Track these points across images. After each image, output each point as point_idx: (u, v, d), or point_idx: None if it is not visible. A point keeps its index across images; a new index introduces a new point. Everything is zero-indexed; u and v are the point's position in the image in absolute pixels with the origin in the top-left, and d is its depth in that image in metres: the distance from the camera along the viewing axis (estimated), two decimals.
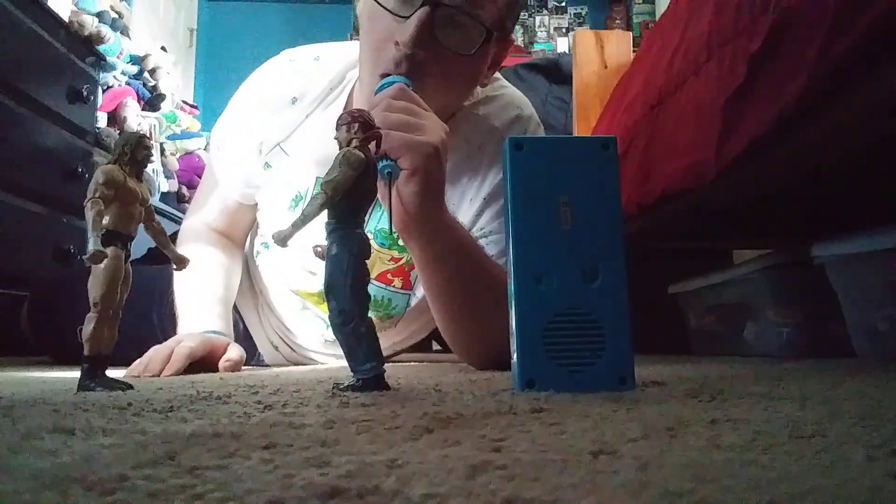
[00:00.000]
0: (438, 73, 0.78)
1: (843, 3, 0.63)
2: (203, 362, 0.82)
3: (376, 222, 0.95)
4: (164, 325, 1.04)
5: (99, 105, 2.09)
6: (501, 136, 0.91)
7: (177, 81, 2.78)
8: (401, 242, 0.94)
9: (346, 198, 0.49)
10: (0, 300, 1.45)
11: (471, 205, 0.93)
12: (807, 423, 0.30)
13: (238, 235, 1.09)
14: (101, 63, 2.07)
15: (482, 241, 0.89)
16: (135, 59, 2.39)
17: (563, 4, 4.05)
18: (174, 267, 0.58)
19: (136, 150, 0.52)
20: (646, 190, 1.11)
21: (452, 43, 0.78)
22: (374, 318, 0.51)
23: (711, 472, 0.20)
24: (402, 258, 0.96)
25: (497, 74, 0.98)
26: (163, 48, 2.77)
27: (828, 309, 1.01)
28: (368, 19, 0.81)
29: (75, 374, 0.52)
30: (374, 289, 0.96)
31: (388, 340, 1.05)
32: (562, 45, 3.84)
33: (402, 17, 0.76)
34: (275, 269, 1.04)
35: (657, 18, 2.72)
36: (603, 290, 0.47)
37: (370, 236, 0.95)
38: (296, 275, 1.00)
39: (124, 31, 2.28)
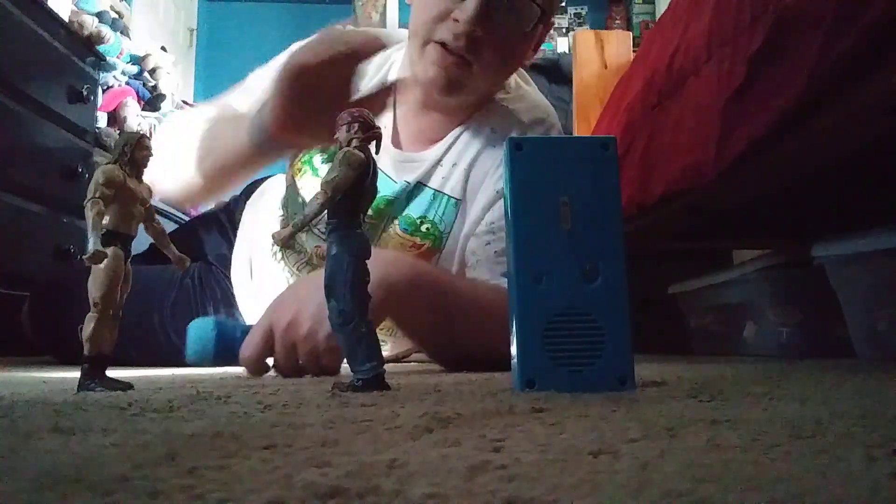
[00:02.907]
0: (493, 50, 0.83)
1: (843, 3, 0.63)
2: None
3: (402, 208, 0.96)
4: (165, 325, 1.04)
5: (99, 105, 2.09)
6: (525, 132, 0.94)
7: (177, 81, 2.77)
8: (423, 228, 0.95)
9: (346, 198, 0.49)
10: (0, 300, 1.45)
11: (483, 193, 0.95)
12: (807, 423, 0.30)
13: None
14: (101, 63, 2.07)
15: (489, 237, 0.91)
16: (135, 59, 2.39)
17: (563, 4, 4.05)
18: (174, 267, 0.58)
19: (135, 150, 0.52)
20: (646, 190, 1.11)
21: (509, 22, 0.83)
22: None
23: (711, 472, 0.20)
24: (424, 244, 0.97)
25: (528, 77, 1.01)
26: (163, 48, 2.76)
27: (828, 309, 1.01)
28: None
29: (75, 374, 0.52)
30: None
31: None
32: (562, 45, 3.83)
33: None
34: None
35: (657, 18, 2.72)
36: (603, 290, 0.47)
37: (395, 222, 0.96)
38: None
39: (124, 31, 2.28)
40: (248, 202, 1.19)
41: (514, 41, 0.86)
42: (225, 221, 1.21)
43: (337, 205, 0.49)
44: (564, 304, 0.47)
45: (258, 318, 0.80)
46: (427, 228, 0.96)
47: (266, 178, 1.25)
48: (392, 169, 0.96)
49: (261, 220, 1.12)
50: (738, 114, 0.82)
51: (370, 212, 0.95)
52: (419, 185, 0.97)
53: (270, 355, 0.72)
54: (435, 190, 0.97)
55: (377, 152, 0.55)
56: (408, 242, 0.97)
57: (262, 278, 1.07)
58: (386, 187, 0.95)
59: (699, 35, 0.96)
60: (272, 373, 0.73)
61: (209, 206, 1.29)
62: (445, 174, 0.96)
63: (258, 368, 0.71)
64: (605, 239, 0.48)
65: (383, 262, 0.74)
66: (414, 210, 0.97)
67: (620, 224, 0.49)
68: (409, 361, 1.13)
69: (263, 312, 0.75)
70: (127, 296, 0.53)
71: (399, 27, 2.89)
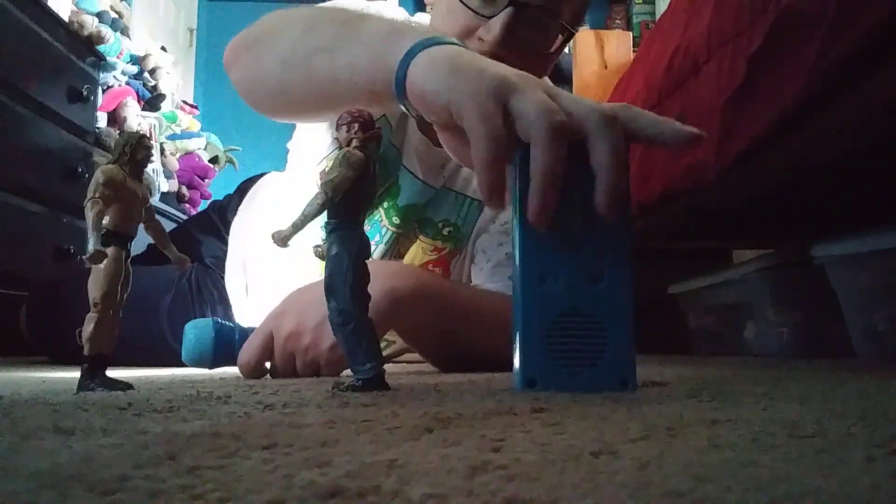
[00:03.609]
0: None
1: (843, 3, 0.63)
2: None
3: (426, 214, 0.96)
4: (161, 327, 1.04)
5: (99, 105, 2.09)
6: None
7: (177, 81, 2.77)
8: (445, 232, 0.95)
9: (346, 198, 0.49)
10: (0, 300, 1.45)
11: None
12: (807, 423, 0.30)
13: None
14: (101, 63, 2.07)
15: (502, 238, 0.92)
16: (135, 59, 2.39)
17: None
18: (173, 267, 0.58)
19: (136, 150, 0.52)
20: (646, 190, 1.11)
21: (535, 42, 0.79)
22: None
23: (711, 472, 0.20)
24: (445, 248, 0.97)
25: (546, 78, 1.00)
26: (163, 48, 2.76)
27: (828, 309, 1.01)
28: (448, 11, 0.80)
29: (75, 374, 0.52)
30: None
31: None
32: None
33: (486, 17, 0.76)
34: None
35: (657, 18, 2.72)
36: (608, 292, 0.47)
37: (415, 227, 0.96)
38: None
39: (124, 31, 2.28)
40: (241, 201, 1.19)
41: (538, 60, 0.82)
42: (217, 223, 1.21)
43: (337, 205, 0.49)
44: (569, 304, 0.47)
45: (256, 321, 0.80)
46: (449, 232, 0.96)
47: (260, 176, 1.25)
48: (418, 164, 0.95)
49: (255, 218, 1.11)
50: (739, 113, 0.82)
51: (397, 221, 0.96)
52: (443, 189, 0.97)
53: (268, 360, 0.72)
54: (457, 193, 0.97)
55: (378, 150, 0.55)
56: (429, 246, 0.97)
57: (258, 279, 1.07)
58: (409, 190, 0.94)
59: (699, 35, 0.96)
60: (268, 376, 0.73)
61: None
62: (468, 175, 0.96)
63: (255, 374, 0.71)
64: (612, 240, 0.48)
65: (388, 273, 0.74)
66: (436, 214, 0.97)
67: (628, 226, 0.49)
68: (402, 362, 1.12)
69: (264, 319, 0.74)
70: (127, 296, 0.53)
71: None
